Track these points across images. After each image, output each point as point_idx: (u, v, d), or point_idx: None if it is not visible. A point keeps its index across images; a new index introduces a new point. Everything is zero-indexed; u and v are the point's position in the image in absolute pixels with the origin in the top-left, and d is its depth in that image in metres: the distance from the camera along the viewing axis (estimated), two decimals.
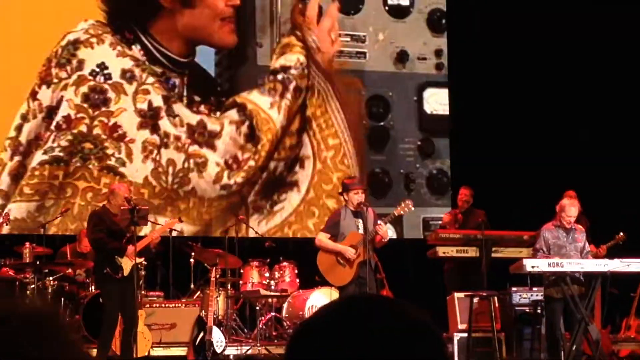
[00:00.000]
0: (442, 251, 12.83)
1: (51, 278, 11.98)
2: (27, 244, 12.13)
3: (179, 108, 14.28)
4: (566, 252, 10.55)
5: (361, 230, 10.22)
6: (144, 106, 14.10)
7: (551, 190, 11.70)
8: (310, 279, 11.65)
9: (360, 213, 10.25)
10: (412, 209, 10.56)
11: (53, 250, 12.58)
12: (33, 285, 11.49)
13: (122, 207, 10.48)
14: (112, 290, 10.38)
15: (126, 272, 10.29)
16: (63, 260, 12.32)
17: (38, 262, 11.67)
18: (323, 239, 10.39)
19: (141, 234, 11.28)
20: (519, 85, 15.09)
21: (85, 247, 12.09)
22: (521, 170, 14.48)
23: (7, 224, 12.06)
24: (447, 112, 15.67)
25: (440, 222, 14.00)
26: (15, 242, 12.60)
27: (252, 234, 13.66)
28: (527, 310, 11.75)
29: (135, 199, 11.31)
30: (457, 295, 12.01)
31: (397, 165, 15.51)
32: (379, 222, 10.26)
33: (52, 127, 13.69)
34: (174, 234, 12.36)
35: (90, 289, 11.91)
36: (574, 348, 10.21)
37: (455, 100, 15.44)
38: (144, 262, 11.42)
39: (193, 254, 12.51)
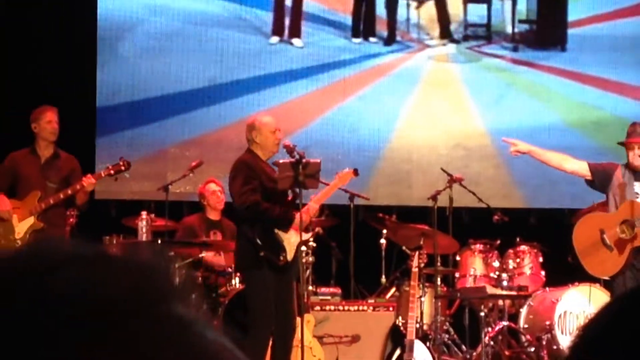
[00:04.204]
0: None
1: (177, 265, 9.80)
2: (144, 214, 9.75)
3: None
4: None
5: None
6: None
7: None
8: (564, 270, 9.78)
9: None
10: None
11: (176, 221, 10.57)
12: None
13: (280, 160, 8.41)
14: (264, 281, 8.13)
15: (290, 255, 8.25)
16: (195, 240, 9.90)
17: (160, 240, 9.62)
18: None
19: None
20: None
21: (214, 208, 10.11)
22: None
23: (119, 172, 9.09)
24: None
25: None
26: (126, 211, 10.56)
27: (472, 201, 11.04)
28: None
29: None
30: None
31: None
32: None
33: None
34: (357, 201, 10.31)
35: (233, 281, 9.77)
36: None
37: None
38: (312, 242, 9.38)
39: (385, 231, 10.53)
